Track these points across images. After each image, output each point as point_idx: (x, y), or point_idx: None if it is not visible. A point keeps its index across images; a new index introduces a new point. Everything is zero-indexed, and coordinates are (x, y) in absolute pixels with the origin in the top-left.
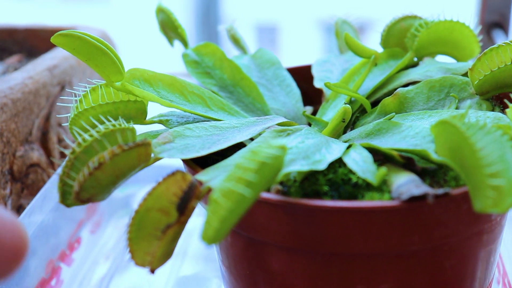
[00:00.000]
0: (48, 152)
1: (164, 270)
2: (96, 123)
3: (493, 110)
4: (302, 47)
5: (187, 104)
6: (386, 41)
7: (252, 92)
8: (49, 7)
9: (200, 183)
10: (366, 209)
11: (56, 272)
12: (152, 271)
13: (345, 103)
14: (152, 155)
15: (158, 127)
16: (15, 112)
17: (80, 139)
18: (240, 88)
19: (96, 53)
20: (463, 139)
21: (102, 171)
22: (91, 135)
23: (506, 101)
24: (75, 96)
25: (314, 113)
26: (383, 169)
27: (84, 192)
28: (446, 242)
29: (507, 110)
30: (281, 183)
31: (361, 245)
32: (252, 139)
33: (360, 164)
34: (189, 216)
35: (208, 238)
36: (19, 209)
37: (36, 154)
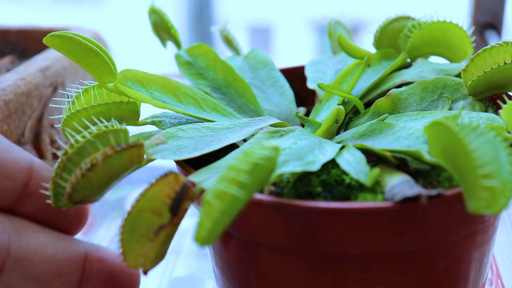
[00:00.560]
0: (40, 154)
1: (157, 271)
2: (89, 124)
3: (486, 111)
4: (295, 48)
5: (180, 105)
6: (379, 42)
7: (245, 93)
8: (42, 9)
9: (193, 184)
10: (360, 210)
11: None
12: (145, 273)
13: (338, 104)
14: (145, 156)
15: (151, 128)
16: (7, 113)
17: (72, 141)
18: (233, 89)
19: (88, 54)
20: (457, 140)
21: (94, 172)
22: (83, 136)
23: (499, 102)
24: (68, 97)
25: (307, 114)
26: (376, 170)
27: (77, 193)
28: (440, 243)
29: (500, 111)
30: (274, 184)
31: (355, 246)
32: (245, 140)
33: (353, 165)
34: (181, 217)
35: (201, 239)
36: None
37: None
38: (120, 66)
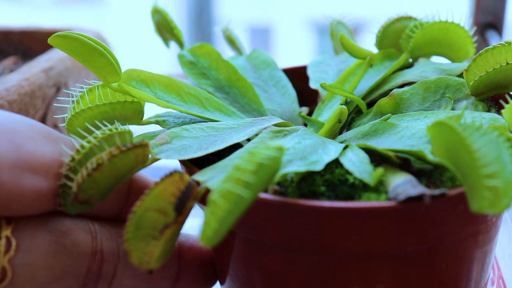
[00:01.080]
0: None
1: None
2: (92, 127)
3: (488, 111)
4: (295, 48)
5: (183, 104)
6: (381, 42)
7: (248, 92)
8: (43, 10)
9: (198, 183)
10: (363, 210)
11: None
12: (150, 272)
13: (341, 104)
14: (150, 156)
15: (155, 127)
16: None
17: (78, 146)
18: (236, 88)
19: (93, 54)
20: (460, 140)
21: (100, 172)
22: (88, 141)
23: (501, 102)
24: (72, 97)
25: (310, 113)
26: (380, 170)
27: (82, 193)
28: (442, 242)
29: (502, 111)
30: (279, 183)
31: (358, 245)
32: (249, 139)
33: (356, 164)
34: (186, 216)
35: (207, 239)
36: None
37: None
38: (123, 67)
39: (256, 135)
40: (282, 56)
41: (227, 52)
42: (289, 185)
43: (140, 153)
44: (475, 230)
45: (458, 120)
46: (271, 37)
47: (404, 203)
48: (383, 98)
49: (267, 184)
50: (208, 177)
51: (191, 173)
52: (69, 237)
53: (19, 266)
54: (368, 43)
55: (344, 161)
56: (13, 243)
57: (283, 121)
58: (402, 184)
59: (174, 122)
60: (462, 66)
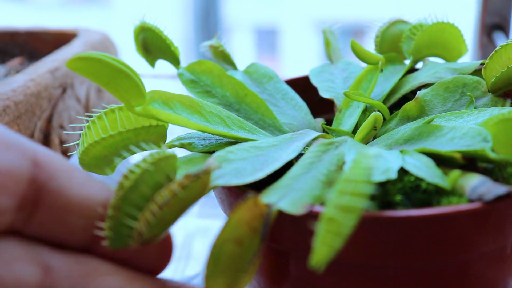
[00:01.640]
0: None
1: (167, 272)
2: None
3: (510, 106)
4: (302, 49)
5: (208, 124)
6: (381, 47)
7: (260, 108)
8: (50, 11)
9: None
10: (454, 214)
11: None
12: None
13: (364, 111)
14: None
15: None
16: (17, 114)
17: (126, 172)
18: (245, 104)
19: (117, 76)
20: None
21: (170, 207)
22: (138, 166)
23: None
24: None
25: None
26: (456, 172)
27: (149, 232)
28: None
29: None
30: None
31: (448, 250)
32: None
33: (423, 169)
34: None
35: (323, 259)
36: None
37: None
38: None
39: (305, 149)
40: (288, 57)
41: None
42: None
43: (206, 181)
44: None
45: None
46: (277, 39)
47: (491, 203)
48: (409, 102)
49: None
50: (277, 199)
51: (238, 195)
52: (10, 268)
53: None
54: (368, 47)
55: (409, 167)
56: None
57: (320, 133)
58: (481, 184)
59: (201, 144)
60: (473, 64)
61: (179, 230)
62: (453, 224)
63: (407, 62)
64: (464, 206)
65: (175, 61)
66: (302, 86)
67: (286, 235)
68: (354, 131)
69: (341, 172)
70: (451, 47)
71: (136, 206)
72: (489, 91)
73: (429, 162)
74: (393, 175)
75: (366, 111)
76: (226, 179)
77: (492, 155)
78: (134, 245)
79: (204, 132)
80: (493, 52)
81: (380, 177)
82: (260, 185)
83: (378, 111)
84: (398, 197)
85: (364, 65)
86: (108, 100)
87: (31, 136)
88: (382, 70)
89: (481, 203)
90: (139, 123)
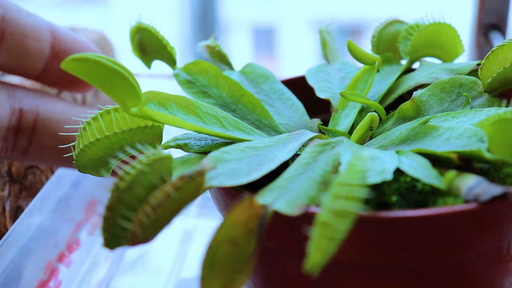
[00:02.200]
0: None
1: (163, 272)
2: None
3: (507, 106)
4: (300, 49)
5: (204, 125)
6: (377, 47)
7: (257, 108)
8: (47, 10)
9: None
10: (450, 215)
11: (55, 273)
12: None
13: (360, 111)
14: None
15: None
16: None
17: (121, 173)
18: (241, 105)
19: (113, 77)
20: None
21: (164, 209)
22: (133, 167)
23: None
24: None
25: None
26: (452, 173)
27: (143, 233)
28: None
29: None
30: None
31: (443, 252)
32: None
33: (419, 170)
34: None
35: (317, 264)
36: (17, 210)
37: None
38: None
39: (300, 150)
40: (286, 56)
41: None
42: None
43: (200, 182)
44: None
45: None
46: (275, 38)
47: (487, 204)
48: (405, 103)
49: None
50: (273, 199)
51: (233, 196)
52: None
53: None
54: (365, 47)
55: (405, 167)
56: None
57: (316, 134)
58: (477, 185)
59: (197, 145)
60: (469, 64)
61: (175, 230)
62: (449, 225)
63: (404, 62)
64: (460, 206)
65: (171, 61)
66: (299, 86)
67: (281, 235)
68: (350, 132)
69: (337, 173)
70: (448, 47)
71: (131, 207)
72: (485, 92)
73: (425, 162)
74: (388, 176)
75: (362, 112)
76: (220, 180)
77: (488, 156)
78: (128, 245)
79: (200, 132)
80: (489, 53)
81: (375, 179)
82: (256, 186)
83: (375, 111)
84: (394, 198)
85: (360, 65)
86: (105, 100)
87: None
88: (378, 70)
89: (477, 203)
90: (135, 124)
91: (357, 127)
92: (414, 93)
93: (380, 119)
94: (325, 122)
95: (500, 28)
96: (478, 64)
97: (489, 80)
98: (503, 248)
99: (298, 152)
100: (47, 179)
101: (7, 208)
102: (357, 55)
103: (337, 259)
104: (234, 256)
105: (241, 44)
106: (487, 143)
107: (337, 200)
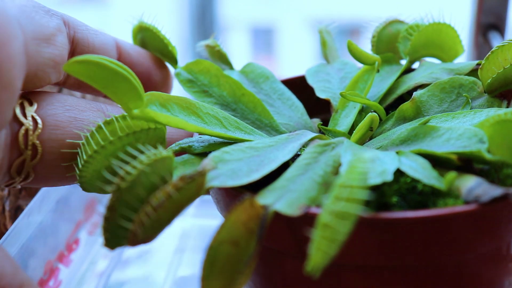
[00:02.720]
0: None
1: (161, 270)
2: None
3: (507, 106)
4: (299, 49)
5: (206, 126)
6: (377, 47)
7: (257, 108)
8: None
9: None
10: (450, 216)
11: (54, 272)
12: None
13: (360, 112)
14: None
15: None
16: None
17: (122, 173)
18: (242, 104)
19: (115, 79)
20: None
21: (164, 209)
22: (134, 167)
23: None
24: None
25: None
26: (452, 174)
27: (143, 233)
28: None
29: None
30: None
31: (442, 253)
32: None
33: (419, 171)
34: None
35: (318, 266)
36: (17, 210)
37: None
38: None
39: (301, 150)
40: (285, 56)
41: None
42: None
43: (201, 182)
44: None
45: None
46: (274, 38)
47: (487, 205)
48: (405, 103)
49: None
50: (273, 200)
51: (235, 196)
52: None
53: (48, 142)
54: (364, 47)
55: (405, 168)
56: (39, 121)
57: (316, 134)
58: (477, 186)
59: (201, 146)
60: (469, 64)
61: (175, 230)
62: (449, 226)
63: (404, 62)
64: (460, 207)
65: (172, 60)
66: (299, 86)
67: (282, 236)
68: (350, 132)
69: (337, 174)
70: (448, 47)
71: (132, 207)
72: (485, 92)
73: (425, 163)
74: (389, 177)
75: (362, 112)
76: (221, 180)
77: (488, 156)
78: (129, 245)
79: (201, 133)
80: (489, 53)
81: (376, 180)
82: (256, 186)
83: (375, 111)
84: (394, 199)
85: (360, 65)
86: (105, 100)
87: None
88: (378, 71)
89: (477, 204)
90: (138, 126)
91: (357, 127)
92: (414, 93)
93: (380, 119)
94: (325, 122)
95: (499, 28)
96: (478, 64)
97: (489, 81)
98: (503, 248)
99: (299, 153)
100: None
101: (7, 207)
102: (357, 55)
103: (337, 260)
104: (235, 257)
105: (240, 44)
106: (487, 144)
107: (338, 202)
